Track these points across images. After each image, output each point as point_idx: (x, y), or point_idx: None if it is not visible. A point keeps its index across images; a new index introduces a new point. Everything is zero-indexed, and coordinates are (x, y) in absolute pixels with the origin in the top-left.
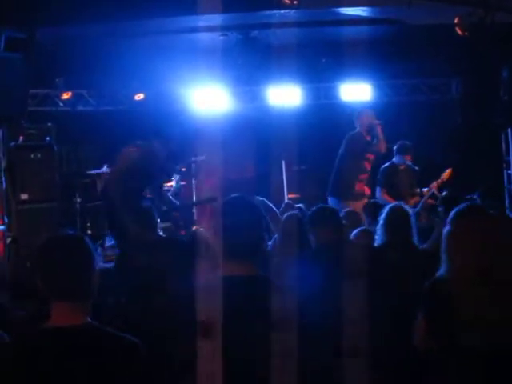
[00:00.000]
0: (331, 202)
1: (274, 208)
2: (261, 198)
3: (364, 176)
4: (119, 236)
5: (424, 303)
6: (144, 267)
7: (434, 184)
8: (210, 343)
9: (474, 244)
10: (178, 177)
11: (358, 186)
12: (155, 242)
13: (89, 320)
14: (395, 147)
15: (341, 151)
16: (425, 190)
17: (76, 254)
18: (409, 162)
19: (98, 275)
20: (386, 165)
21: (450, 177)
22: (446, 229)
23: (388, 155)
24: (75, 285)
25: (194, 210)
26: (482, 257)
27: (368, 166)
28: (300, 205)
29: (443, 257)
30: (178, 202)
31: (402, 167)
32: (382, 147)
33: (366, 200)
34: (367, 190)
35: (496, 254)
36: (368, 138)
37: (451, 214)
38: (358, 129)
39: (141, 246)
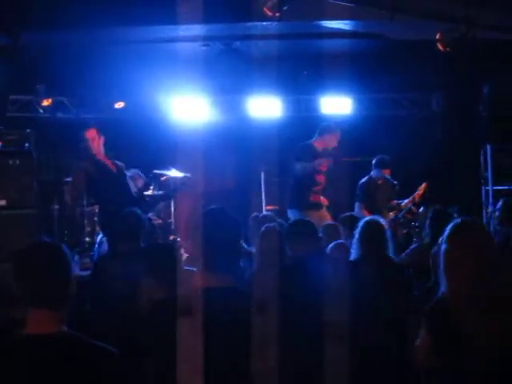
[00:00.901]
0: (291, 214)
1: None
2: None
3: (317, 188)
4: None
5: (427, 322)
6: (119, 277)
7: (411, 199)
8: (190, 357)
9: (471, 262)
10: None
11: (312, 198)
12: (133, 251)
13: (65, 328)
14: (373, 161)
15: (292, 164)
16: (402, 203)
17: (53, 261)
18: (387, 176)
19: (74, 283)
20: (364, 179)
21: (425, 191)
22: (443, 247)
23: (366, 169)
24: (52, 292)
25: (172, 220)
26: (479, 274)
27: (320, 178)
28: (269, 212)
29: (442, 275)
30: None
31: (379, 181)
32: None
33: (325, 210)
34: (324, 201)
35: (493, 270)
36: (319, 150)
37: (446, 231)
38: (312, 140)
39: (118, 255)
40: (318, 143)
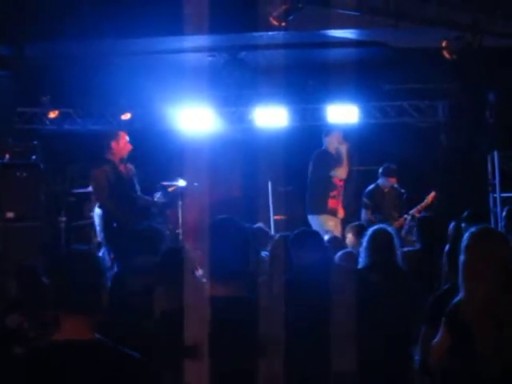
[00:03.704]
0: (311, 220)
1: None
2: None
3: (335, 192)
4: (119, 255)
5: (447, 322)
6: (138, 290)
7: (419, 207)
8: (196, 364)
9: (488, 274)
10: (159, 194)
11: (330, 203)
12: (151, 265)
13: (97, 335)
14: (380, 169)
15: (309, 170)
16: (411, 212)
17: (89, 268)
18: (395, 185)
19: (107, 290)
20: (371, 187)
21: (434, 200)
22: (461, 257)
23: (373, 177)
24: (88, 299)
25: (180, 230)
26: (496, 288)
27: (337, 182)
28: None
29: (460, 283)
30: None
31: (386, 190)
32: (343, 172)
33: (339, 221)
34: (341, 212)
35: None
36: (334, 155)
37: (465, 239)
38: (324, 147)
39: (137, 268)
40: (329, 147)
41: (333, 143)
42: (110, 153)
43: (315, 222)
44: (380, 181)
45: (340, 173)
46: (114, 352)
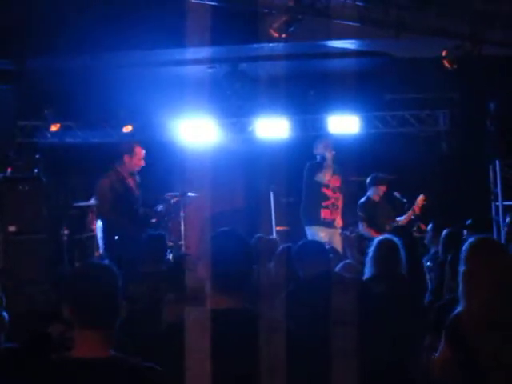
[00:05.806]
0: (307, 231)
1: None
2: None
3: (327, 203)
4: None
5: (447, 335)
6: (139, 297)
7: (410, 212)
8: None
9: (488, 284)
10: (161, 206)
11: (323, 214)
12: (152, 273)
13: (113, 352)
14: (368, 180)
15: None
16: (401, 218)
17: (106, 281)
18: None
19: (123, 303)
20: (363, 199)
21: (424, 203)
22: (461, 268)
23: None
24: (106, 312)
25: (183, 242)
26: (496, 298)
27: (329, 193)
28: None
29: (460, 294)
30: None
31: (376, 199)
32: (326, 176)
33: (339, 231)
34: (339, 222)
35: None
36: (318, 161)
37: (464, 249)
38: (317, 158)
39: (139, 276)
40: (319, 157)
41: (319, 149)
42: (121, 165)
43: (308, 232)
44: (369, 192)
45: (322, 177)
46: (132, 370)
